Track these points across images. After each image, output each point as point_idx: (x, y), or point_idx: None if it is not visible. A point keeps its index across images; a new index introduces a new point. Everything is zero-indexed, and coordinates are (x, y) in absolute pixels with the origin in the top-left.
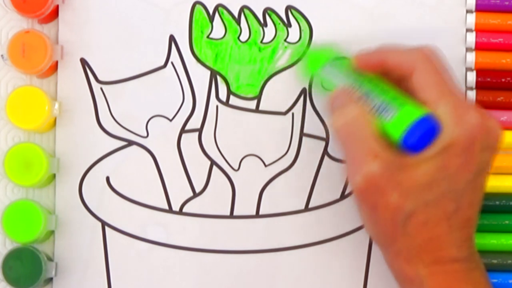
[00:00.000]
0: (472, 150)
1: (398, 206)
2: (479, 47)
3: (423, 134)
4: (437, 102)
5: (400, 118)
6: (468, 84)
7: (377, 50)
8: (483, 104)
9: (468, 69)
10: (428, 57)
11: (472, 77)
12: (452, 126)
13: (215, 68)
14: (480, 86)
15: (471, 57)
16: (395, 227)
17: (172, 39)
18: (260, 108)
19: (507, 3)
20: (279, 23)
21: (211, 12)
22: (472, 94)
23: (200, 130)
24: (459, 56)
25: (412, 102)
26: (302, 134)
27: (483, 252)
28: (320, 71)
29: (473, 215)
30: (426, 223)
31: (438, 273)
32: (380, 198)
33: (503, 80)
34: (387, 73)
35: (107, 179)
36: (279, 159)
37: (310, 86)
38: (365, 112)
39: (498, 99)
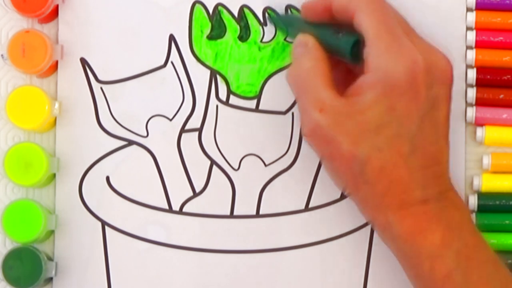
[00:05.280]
0: (416, 87)
1: (352, 154)
2: (479, 45)
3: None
4: (373, 42)
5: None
6: (468, 82)
7: None
8: (483, 101)
9: (468, 67)
10: None
11: (472, 74)
12: (389, 66)
13: (215, 67)
14: (480, 83)
15: (471, 54)
16: (354, 176)
17: (172, 38)
18: (260, 107)
19: (507, 1)
20: None
21: (210, 11)
22: (472, 92)
23: (200, 130)
24: (460, 54)
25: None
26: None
27: None
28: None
29: (437, 152)
30: (383, 169)
31: (406, 216)
32: (332, 148)
33: (504, 78)
34: (334, 18)
35: (107, 179)
36: (279, 158)
37: None
38: (318, 64)
39: (499, 96)
